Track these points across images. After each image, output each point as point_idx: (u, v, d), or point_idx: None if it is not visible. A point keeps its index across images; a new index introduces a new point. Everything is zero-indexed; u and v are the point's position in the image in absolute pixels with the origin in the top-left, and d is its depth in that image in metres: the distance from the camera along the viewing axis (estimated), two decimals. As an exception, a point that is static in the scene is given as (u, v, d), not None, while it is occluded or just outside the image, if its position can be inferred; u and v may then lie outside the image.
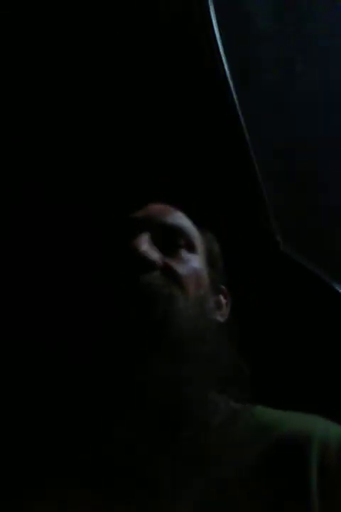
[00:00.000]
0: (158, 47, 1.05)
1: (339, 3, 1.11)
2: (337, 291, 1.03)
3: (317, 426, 0.76)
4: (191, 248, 0.84)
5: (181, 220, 0.87)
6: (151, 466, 0.70)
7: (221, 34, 1.04)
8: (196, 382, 0.74)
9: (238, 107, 1.04)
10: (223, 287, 0.90)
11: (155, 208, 0.87)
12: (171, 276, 0.79)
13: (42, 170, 1.09)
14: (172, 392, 0.72)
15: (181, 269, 0.80)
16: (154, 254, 0.79)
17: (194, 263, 0.83)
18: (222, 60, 1.04)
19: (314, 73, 1.14)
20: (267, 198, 1.05)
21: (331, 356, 1.04)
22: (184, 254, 0.83)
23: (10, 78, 1.03)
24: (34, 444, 0.76)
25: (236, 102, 1.04)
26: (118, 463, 0.71)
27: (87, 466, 0.71)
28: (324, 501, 0.68)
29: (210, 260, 0.88)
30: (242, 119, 1.04)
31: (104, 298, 0.77)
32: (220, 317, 0.86)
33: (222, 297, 0.89)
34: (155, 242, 0.82)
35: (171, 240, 0.83)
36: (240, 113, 1.04)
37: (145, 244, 0.79)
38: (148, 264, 0.78)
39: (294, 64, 1.15)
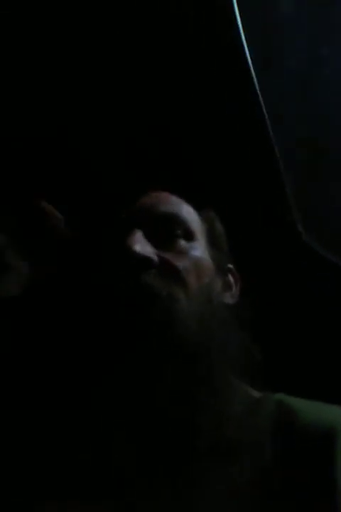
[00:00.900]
0: (178, 32, 1.04)
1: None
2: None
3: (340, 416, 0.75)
4: (189, 236, 0.82)
5: (176, 206, 0.84)
6: (171, 462, 0.70)
7: (242, 18, 1.02)
8: (208, 375, 0.73)
9: (259, 93, 1.02)
10: (231, 266, 0.87)
11: (148, 197, 0.84)
12: (169, 271, 0.76)
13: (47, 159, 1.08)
14: (184, 393, 0.71)
15: (179, 261, 0.78)
16: (148, 252, 0.76)
17: (193, 252, 0.81)
18: (243, 45, 1.01)
19: (338, 58, 1.11)
20: (289, 188, 1.03)
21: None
22: (182, 243, 0.80)
23: (10, 73, 1.02)
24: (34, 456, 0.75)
25: (258, 88, 1.02)
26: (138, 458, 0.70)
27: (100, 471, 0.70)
28: None
29: (213, 241, 0.86)
30: (264, 107, 1.02)
31: (101, 303, 0.75)
32: (230, 298, 0.84)
33: (230, 277, 0.86)
34: (150, 235, 0.78)
35: (167, 231, 0.80)
36: (262, 100, 1.02)
37: (138, 243, 0.76)
38: (142, 264, 0.75)
39: (318, 49, 1.12)
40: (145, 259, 0.75)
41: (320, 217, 1.07)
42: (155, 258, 0.76)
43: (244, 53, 1.02)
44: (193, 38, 1.03)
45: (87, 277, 0.80)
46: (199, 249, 0.82)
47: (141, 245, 0.76)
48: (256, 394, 0.79)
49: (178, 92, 1.05)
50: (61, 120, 1.06)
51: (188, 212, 0.84)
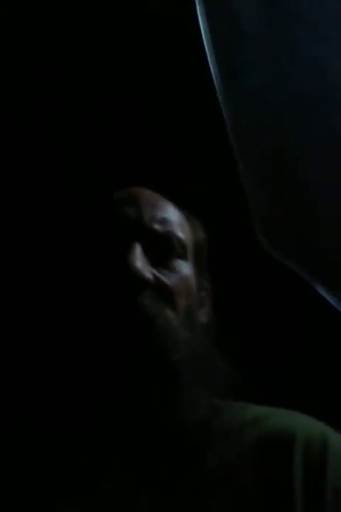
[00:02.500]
0: (143, 45, 1.06)
1: (327, 4, 1.11)
2: (318, 292, 1.03)
3: (301, 422, 0.77)
4: (183, 255, 0.81)
5: (173, 218, 0.83)
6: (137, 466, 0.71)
7: (207, 33, 1.04)
8: (188, 394, 0.73)
9: (223, 106, 1.04)
10: (206, 283, 0.87)
11: (146, 201, 0.82)
12: (163, 293, 0.76)
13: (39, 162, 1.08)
14: (165, 409, 0.72)
15: (172, 282, 0.77)
16: (147, 272, 0.75)
17: (185, 270, 0.80)
18: (207, 60, 1.04)
19: (301, 75, 1.14)
20: (250, 198, 1.04)
21: (311, 356, 1.04)
22: (176, 262, 0.79)
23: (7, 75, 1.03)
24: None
25: (221, 101, 1.04)
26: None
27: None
28: (307, 498, 0.69)
29: (197, 256, 0.85)
30: (227, 120, 1.04)
31: (97, 317, 0.74)
32: (203, 317, 0.84)
33: (205, 294, 0.87)
34: (147, 249, 0.77)
35: (164, 248, 0.79)
36: (225, 113, 1.04)
37: (139, 261, 0.75)
38: (141, 284, 0.74)
39: (281, 65, 1.14)
40: (143, 280, 0.74)
41: (282, 228, 1.08)
42: (152, 278, 0.76)
43: (209, 67, 1.04)
44: (158, 50, 1.06)
45: (81, 290, 0.79)
46: (188, 268, 0.81)
47: (140, 263, 0.75)
48: (218, 402, 0.80)
49: (141, 104, 1.07)
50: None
51: (183, 227, 0.84)
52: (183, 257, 0.81)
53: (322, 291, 1.05)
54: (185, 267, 0.80)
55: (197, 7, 1.03)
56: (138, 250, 0.75)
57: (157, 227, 0.80)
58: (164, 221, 0.81)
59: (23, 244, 1.07)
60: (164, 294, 0.76)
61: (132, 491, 0.70)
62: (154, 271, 0.76)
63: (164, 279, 0.77)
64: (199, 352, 0.76)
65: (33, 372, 0.81)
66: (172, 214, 0.83)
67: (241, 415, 0.78)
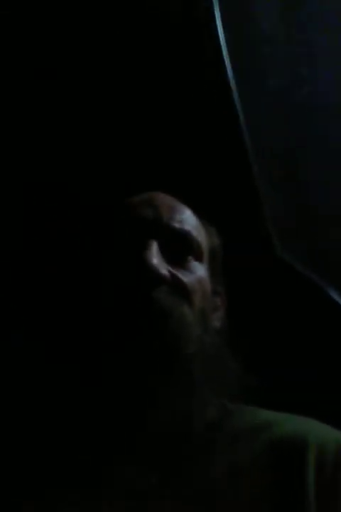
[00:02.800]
0: (161, 48, 1.06)
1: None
2: (333, 298, 1.03)
3: (314, 428, 0.77)
4: (199, 256, 0.82)
5: (190, 220, 0.83)
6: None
7: (225, 36, 1.04)
8: (200, 392, 0.74)
9: (240, 110, 1.04)
10: (220, 289, 0.88)
11: (164, 203, 0.83)
12: (179, 290, 0.76)
13: (43, 167, 1.09)
14: (178, 411, 0.73)
15: (188, 280, 0.78)
16: (163, 269, 0.76)
17: (200, 272, 0.81)
18: (225, 63, 1.04)
19: (318, 78, 1.14)
20: (265, 203, 1.04)
21: (326, 361, 1.03)
22: (192, 263, 0.80)
23: (9, 75, 1.03)
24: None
25: (238, 105, 1.04)
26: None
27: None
28: (320, 504, 0.69)
29: (212, 260, 0.86)
30: (243, 123, 1.04)
31: (112, 312, 0.75)
32: (217, 321, 0.85)
33: (219, 300, 0.87)
34: (164, 248, 0.78)
35: (181, 248, 0.80)
36: (241, 116, 1.04)
37: (155, 257, 0.75)
38: (157, 280, 0.74)
39: (298, 68, 1.14)
40: (159, 276, 0.75)
41: (296, 233, 1.08)
42: (169, 275, 0.76)
43: (226, 70, 1.04)
44: (176, 53, 1.06)
45: (97, 285, 0.80)
46: (204, 270, 0.82)
47: (157, 260, 0.75)
48: (229, 406, 0.80)
49: (158, 106, 1.07)
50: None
51: (199, 230, 0.84)
52: (200, 258, 0.82)
53: (336, 295, 1.05)
54: (200, 269, 0.81)
55: (216, 10, 1.03)
56: (154, 247, 0.76)
57: (175, 225, 0.81)
58: (181, 222, 0.82)
59: (38, 243, 1.08)
60: (180, 290, 0.76)
61: (139, 492, 0.70)
62: (170, 268, 0.77)
63: (180, 277, 0.77)
64: (211, 352, 0.76)
65: (40, 371, 0.81)
66: (189, 217, 0.84)
67: (253, 419, 0.78)
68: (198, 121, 1.05)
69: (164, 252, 0.78)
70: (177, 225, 0.81)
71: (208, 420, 0.76)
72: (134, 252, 0.76)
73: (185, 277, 0.78)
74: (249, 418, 0.79)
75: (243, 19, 1.09)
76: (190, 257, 0.80)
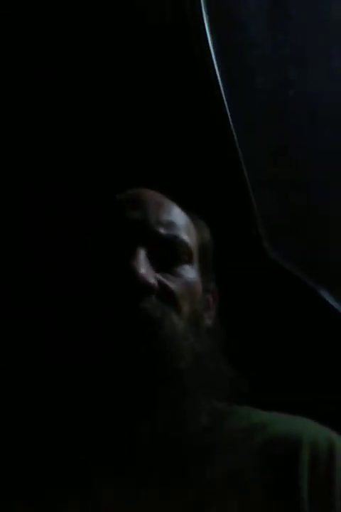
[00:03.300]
0: (149, 51, 1.06)
1: (331, 10, 1.12)
2: (324, 298, 1.03)
3: (307, 428, 0.77)
4: (188, 259, 0.80)
5: (178, 220, 0.82)
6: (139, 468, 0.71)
7: (213, 40, 1.05)
8: (192, 400, 0.74)
9: (229, 113, 1.05)
10: (212, 286, 0.87)
11: (151, 202, 0.81)
12: (167, 298, 0.75)
13: (40, 166, 1.09)
14: (171, 421, 0.72)
15: (176, 286, 0.76)
16: (151, 277, 0.74)
17: (189, 275, 0.79)
18: (213, 66, 1.04)
19: (306, 82, 1.15)
20: (256, 204, 1.05)
21: (317, 361, 1.04)
22: (180, 267, 0.78)
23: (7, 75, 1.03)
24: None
25: (227, 108, 1.04)
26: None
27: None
28: (314, 503, 0.69)
29: (202, 256, 0.84)
30: (232, 126, 1.05)
31: (99, 323, 0.73)
32: (208, 320, 0.84)
33: (210, 297, 0.86)
34: (152, 254, 0.76)
35: (170, 254, 0.78)
36: (231, 119, 1.05)
37: (142, 266, 0.73)
38: (145, 290, 0.73)
39: (286, 72, 1.15)
40: (147, 285, 0.73)
41: (286, 234, 1.09)
42: (156, 284, 0.74)
43: (215, 73, 1.05)
44: (164, 57, 1.06)
45: (82, 293, 0.78)
46: (193, 272, 0.80)
47: (145, 269, 0.74)
48: (222, 406, 0.80)
49: (147, 109, 1.07)
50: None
51: (189, 229, 0.83)
52: (188, 261, 0.80)
53: (326, 295, 1.06)
54: (190, 272, 0.79)
55: (203, 14, 1.04)
56: (142, 255, 0.75)
57: (162, 231, 0.78)
58: (169, 224, 0.80)
59: (25, 245, 1.07)
60: (169, 299, 0.75)
61: (132, 496, 0.70)
62: (158, 276, 0.76)
63: (169, 284, 0.76)
64: (204, 357, 0.76)
65: (34, 375, 0.81)
66: (178, 216, 0.82)
67: (247, 420, 0.78)
68: (188, 121, 1.06)
69: (152, 258, 0.76)
70: (164, 230, 0.79)
71: (201, 424, 0.75)
72: (121, 260, 0.75)
73: (173, 283, 0.76)
74: (243, 419, 0.78)
75: (231, 23, 1.10)
76: (178, 262, 0.79)
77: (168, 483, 0.71)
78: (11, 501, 0.72)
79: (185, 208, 0.86)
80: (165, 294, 0.75)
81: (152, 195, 0.83)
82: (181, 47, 1.03)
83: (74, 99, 1.06)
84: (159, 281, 0.75)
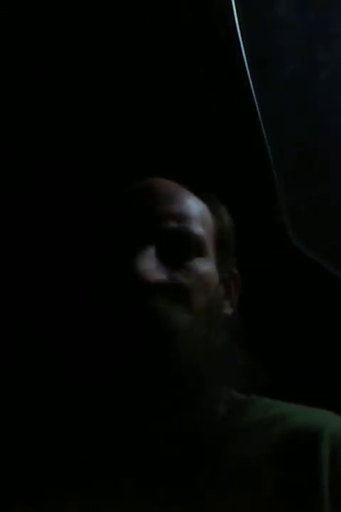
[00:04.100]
0: (175, 33, 1.04)
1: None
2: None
3: (328, 419, 0.76)
4: (202, 252, 0.78)
5: (191, 210, 0.79)
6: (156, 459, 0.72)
7: (240, 21, 1.02)
8: (206, 394, 0.73)
9: (255, 96, 1.02)
10: (233, 271, 0.85)
11: (162, 193, 0.79)
12: (177, 293, 0.74)
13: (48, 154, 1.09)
14: (185, 419, 0.72)
15: (189, 279, 0.75)
16: (159, 273, 0.73)
17: (203, 267, 0.77)
18: (240, 49, 1.02)
19: (336, 63, 1.12)
20: (281, 192, 1.03)
21: (338, 350, 1.03)
22: (192, 260, 0.77)
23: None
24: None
25: (253, 91, 1.02)
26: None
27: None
28: (334, 493, 0.68)
29: (221, 244, 0.82)
30: (259, 110, 1.02)
31: (106, 324, 0.73)
32: (229, 308, 0.83)
33: (232, 283, 0.84)
34: (162, 249, 0.75)
35: (181, 248, 0.76)
36: (257, 103, 1.02)
37: (150, 265, 0.72)
38: (152, 287, 0.71)
39: (316, 54, 1.12)
40: (156, 283, 0.72)
41: (309, 219, 1.07)
42: (166, 281, 0.73)
43: (241, 54, 1.02)
44: (190, 39, 1.04)
45: (89, 292, 0.77)
46: (208, 265, 0.79)
47: (153, 266, 0.73)
48: (241, 397, 0.80)
49: (175, 92, 1.06)
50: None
51: (203, 220, 0.81)
52: (201, 253, 0.78)
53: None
54: (203, 264, 0.78)
55: (231, -5, 1.01)
56: (148, 252, 0.74)
57: (172, 224, 0.77)
58: (180, 216, 0.78)
59: (29, 240, 1.07)
60: (179, 294, 0.74)
61: (147, 491, 0.70)
62: (169, 271, 0.75)
63: (180, 278, 0.75)
64: (219, 349, 0.75)
65: (39, 376, 0.81)
66: (190, 207, 0.80)
67: (265, 412, 0.77)
68: (213, 108, 1.04)
69: (162, 252, 0.75)
70: (174, 223, 0.77)
71: (219, 416, 0.75)
72: (128, 258, 0.74)
73: (184, 278, 0.75)
74: (262, 410, 0.78)
75: (258, 4, 1.07)
76: (190, 254, 0.77)
77: (178, 477, 0.71)
78: (11, 501, 0.73)
79: (204, 193, 0.84)
80: (174, 289, 0.74)
81: (163, 186, 0.81)
82: (206, 30, 1.01)
83: (93, 84, 1.05)
84: (169, 276, 0.74)
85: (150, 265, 0.73)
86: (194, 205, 0.81)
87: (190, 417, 0.72)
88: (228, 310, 0.83)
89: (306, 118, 1.08)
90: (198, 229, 0.79)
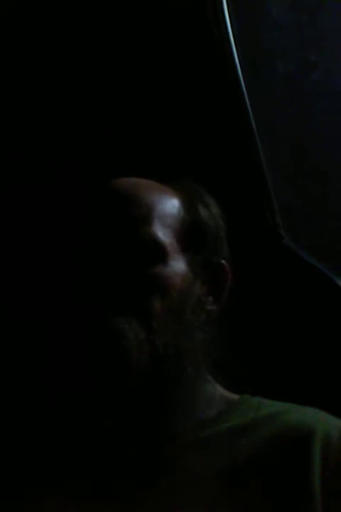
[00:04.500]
0: (168, 33, 1.05)
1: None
2: (339, 286, 1.02)
3: (319, 419, 0.76)
4: (162, 258, 0.75)
5: (149, 210, 0.76)
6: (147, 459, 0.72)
7: (232, 21, 1.03)
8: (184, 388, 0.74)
9: (246, 96, 1.03)
10: (218, 261, 0.81)
11: (125, 196, 0.77)
12: (130, 304, 0.72)
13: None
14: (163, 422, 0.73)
15: (143, 287, 0.73)
16: (111, 283, 0.72)
17: (163, 271, 0.75)
18: (232, 48, 1.02)
19: (327, 64, 1.12)
20: (273, 191, 1.03)
21: (330, 350, 1.03)
22: (150, 265, 0.74)
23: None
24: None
25: (245, 90, 1.02)
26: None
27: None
28: (326, 493, 0.68)
29: (195, 237, 0.79)
30: (250, 109, 1.03)
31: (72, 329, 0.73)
32: (212, 304, 0.79)
33: (217, 275, 0.80)
34: (120, 254, 0.74)
35: (140, 252, 0.74)
36: (248, 102, 1.03)
37: (103, 280, 0.72)
38: (110, 306, 0.71)
39: (307, 54, 1.12)
40: (106, 291, 0.72)
41: (301, 219, 1.07)
42: (122, 296, 0.73)
43: (233, 54, 1.03)
44: (182, 39, 1.04)
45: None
46: (171, 267, 0.76)
47: (105, 283, 0.72)
48: (233, 396, 0.80)
49: (167, 92, 1.06)
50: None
51: (165, 218, 0.78)
52: (164, 260, 0.75)
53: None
54: (162, 268, 0.75)
55: (223, -5, 1.01)
56: (102, 263, 0.73)
57: (130, 230, 0.75)
58: (136, 221, 0.76)
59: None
60: (130, 305, 0.73)
61: (134, 492, 0.71)
62: (122, 281, 0.73)
63: (133, 288, 0.73)
64: (192, 349, 0.74)
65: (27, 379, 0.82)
66: (148, 208, 0.77)
67: (257, 410, 0.77)
68: (205, 108, 1.05)
69: (119, 259, 0.74)
70: (132, 229, 0.75)
71: (206, 417, 0.75)
72: (86, 264, 0.74)
73: (146, 282, 0.73)
74: (253, 409, 0.78)
75: (250, 5, 1.08)
76: (151, 259, 0.75)
77: (172, 478, 0.71)
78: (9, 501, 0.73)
79: (186, 185, 0.83)
80: (126, 301, 0.73)
81: (124, 188, 0.79)
82: (198, 29, 1.01)
83: (94, 84, 1.06)
84: (120, 284, 0.73)
85: (102, 282, 0.72)
86: (154, 206, 0.78)
87: (161, 416, 0.73)
88: (211, 306, 0.79)
89: (298, 118, 1.09)
90: (155, 231, 0.76)
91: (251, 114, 1.02)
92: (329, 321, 1.06)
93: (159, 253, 0.75)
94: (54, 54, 1.03)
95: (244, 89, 1.02)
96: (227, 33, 1.02)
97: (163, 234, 0.76)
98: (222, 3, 1.02)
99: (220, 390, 0.80)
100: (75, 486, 0.72)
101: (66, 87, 1.06)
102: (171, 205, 0.79)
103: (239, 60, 1.03)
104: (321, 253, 1.06)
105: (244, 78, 1.02)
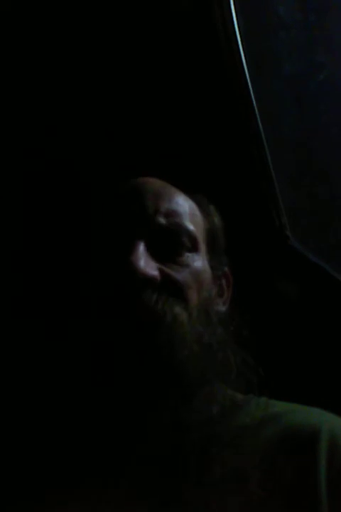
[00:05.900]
0: (174, 33, 1.04)
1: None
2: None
3: (325, 419, 0.76)
4: (193, 246, 0.78)
5: (180, 208, 0.79)
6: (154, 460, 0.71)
7: (239, 22, 1.02)
8: (201, 390, 0.73)
9: (253, 96, 1.03)
10: (225, 270, 0.85)
11: (151, 191, 0.79)
12: (171, 288, 0.74)
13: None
14: (179, 416, 0.72)
15: (181, 275, 0.75)
16: (152, 269, 0.73)
17: (195, 263, 0.77)
18: (239, 49, 1.02)
19: (334, 65, 1.12)
20: (279, 192, 1.03)
21: (337, 351, 1.03)
22: (185, 256, 0.77)
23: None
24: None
25: (251, 91, 1.02)
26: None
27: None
28: (332, 493, 0.68)
29: (212, 243, 0.83)
30: (257, 109, 1.03)
31: (100, 322, 0.72)
32: (222, 305, 0.83)
33: (224, 281, 0.85)
34: (153, 245, 0.75)
35: (172, 242, 0.77)
36: (255, 103, 1.03)
37: (141, 259, 0.72)
38: (145, 283, 0.71)
39: (315, 54, 1.12)
40: (148, 278, 0.72)
41: (308, 220, 1.07)
42: (158, 276, 0.73)
43: (240, 54, 1.02)
44: (190, 38, 1.04)
45: (83, 290, 0.77)
46: (200, 260, 0.79)
47: (144, 261, 0.73)
48: (240, 396, 0.80)
49: (173, 92, 1.06)
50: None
51: (193, 216, 0.81)
52: (193, 249, 0.78)
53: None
54: (195, 260, 0.78)
55: (231, -5, 1.01)
56: (141, 248, 0.73)
57: (162, 221, 0.77)
58: (170, 213, 0.78)
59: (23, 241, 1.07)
60: (173, 289, 0.74)
61: (134, 492, 0.70)
62: (161, 266, 0.74)
63: (172, 273, 0.75)
64: (214, 346, 0.75)
65: (35, 374, 0.80)
66: (179, 204, 0.80)
67: (263, 410, 0.77)
68: (211, 108, 1.04)
69: (153, 249, 0.75)
70: (164, 220, 0.77)
71: (214, 415, 0.75)
72: (121, 255, 0.74)
73: (177, 273, 0.75)
74: (259, 409, 0.78)
75: (258, 5, 1.08)
76: (182, 251, 0.77)
77: (164, 480, 0.70)
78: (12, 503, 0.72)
79: (193, 194, 0.84)
80: (168, 284, 0.74)
81: (151, 185, 0.81)
82: (205, 29, 1.01)
83: (96, 83, 1.06)
84: (162, 272, 0.74)
85: (142, 260, 0.73)
86: (183, 202, 0.81)
87: (181, 416, 0.72)
88: (221, 308, 0.83)
89: (305, 118, 1.08)
90: (188, 224, 0.79)
91: (257, 114, 1.02)
92: (335, 321, 1.06)
93: (192, 243, 0.78)
94: (54, 54, 1.03)
95: (251, 89, 1.02)
96: (234, 33, 1.02)
97: (192, 227, 0.79)
98: (228, 3, 1.02)
99: (224, 389, 0.79)
100: (107, 485, 0.71)
101: (68, 90, 1.07)
102: (193, 206, 0.83)
103: (245, 60, 1.02)
104: (327, 253, 1.06)
105: (250, 79, 1.02)
